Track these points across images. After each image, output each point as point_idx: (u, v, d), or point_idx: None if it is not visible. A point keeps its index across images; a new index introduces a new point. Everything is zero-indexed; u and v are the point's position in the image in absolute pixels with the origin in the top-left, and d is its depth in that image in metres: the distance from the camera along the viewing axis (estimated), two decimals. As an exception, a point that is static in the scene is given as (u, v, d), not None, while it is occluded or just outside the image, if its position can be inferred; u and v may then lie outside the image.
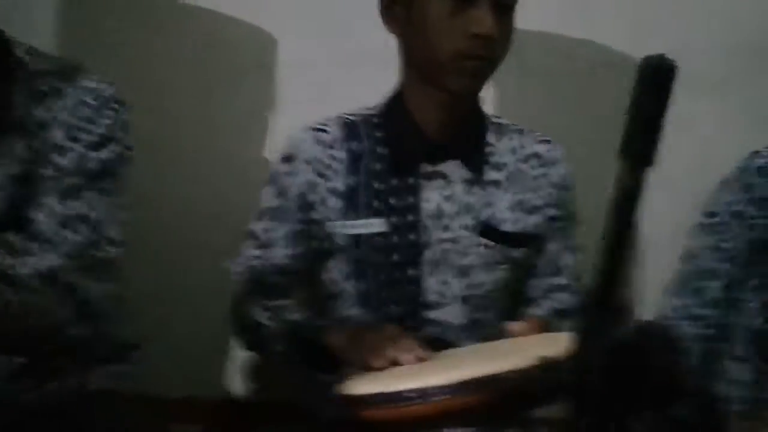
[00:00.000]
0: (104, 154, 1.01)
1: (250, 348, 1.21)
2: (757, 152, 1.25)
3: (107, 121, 1.02)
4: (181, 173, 1.46)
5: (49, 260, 0.95)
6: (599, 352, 0.51)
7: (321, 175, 1.11)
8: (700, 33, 1.42)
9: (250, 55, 1.46)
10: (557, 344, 0.66)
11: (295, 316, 1.09)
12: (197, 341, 1.45)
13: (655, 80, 0.51)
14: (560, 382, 0.56)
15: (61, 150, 0.99)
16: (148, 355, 1.15)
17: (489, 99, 1.42)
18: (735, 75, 1.43)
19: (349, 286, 1.12)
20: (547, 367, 0.63)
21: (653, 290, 1.44)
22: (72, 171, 0.99)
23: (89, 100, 1.01)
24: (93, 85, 1.02)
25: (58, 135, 0.99)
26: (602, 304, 0.54)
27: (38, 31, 1.32)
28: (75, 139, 1.00)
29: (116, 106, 1.03)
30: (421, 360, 0.87)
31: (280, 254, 1.13)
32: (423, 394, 0.72)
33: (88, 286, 0.98)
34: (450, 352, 0.98)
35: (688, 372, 1.27)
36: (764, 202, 1.21)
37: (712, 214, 1.26)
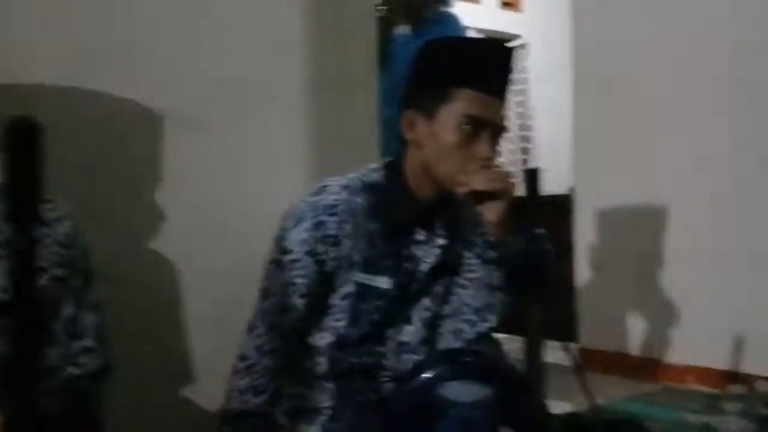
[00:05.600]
0: None
1: None
2: (324, 187, 1.31)
3: None
4: None
5: None
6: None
7: None
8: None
9: None
10: None
11: None
12: None
13: (22, 141, 0.53)
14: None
15: None
16: None
17: None
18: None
19: None
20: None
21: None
22: None
23: None
24: None
25: None
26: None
27: None
28: None
29: None
30: None
31: None
32: None
33: None
34: None
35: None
36: (333, 239, 1.29)
37: (285, 251, 1.31)
